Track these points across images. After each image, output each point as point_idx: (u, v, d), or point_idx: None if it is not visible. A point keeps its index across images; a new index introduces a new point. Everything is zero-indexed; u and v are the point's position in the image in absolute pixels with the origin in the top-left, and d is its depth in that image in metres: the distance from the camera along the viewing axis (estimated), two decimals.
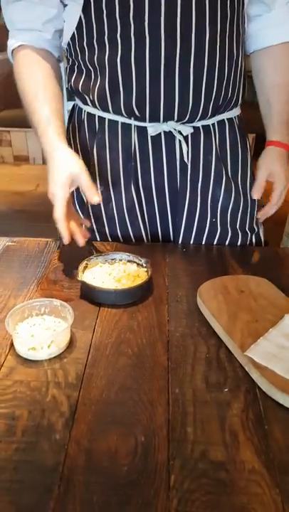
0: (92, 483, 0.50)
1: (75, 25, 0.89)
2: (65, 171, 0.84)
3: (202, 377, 0.65)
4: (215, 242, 1.06)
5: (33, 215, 3.24)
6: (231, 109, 0.99)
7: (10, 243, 1.01)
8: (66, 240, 0.84)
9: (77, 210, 1.03)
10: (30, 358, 0.68)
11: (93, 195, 0.84)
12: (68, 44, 0.95)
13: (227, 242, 1.07)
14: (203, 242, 1.06)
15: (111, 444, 0.55)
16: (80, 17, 0.87)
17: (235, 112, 1.02)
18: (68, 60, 0.99)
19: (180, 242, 1.06)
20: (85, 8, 0.85)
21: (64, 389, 0.63)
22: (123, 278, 0.86)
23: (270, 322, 0.73)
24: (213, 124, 0.98)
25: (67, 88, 1.03)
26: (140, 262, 0.90)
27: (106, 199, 1.01)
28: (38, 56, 0.94)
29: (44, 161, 0.87)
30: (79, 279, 0.83)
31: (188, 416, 0.59)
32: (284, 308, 0.76)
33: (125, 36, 0.84)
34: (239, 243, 1.07)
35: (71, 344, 0.71)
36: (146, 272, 0.87)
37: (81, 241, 0.89)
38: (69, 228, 0.85)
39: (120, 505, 0.48)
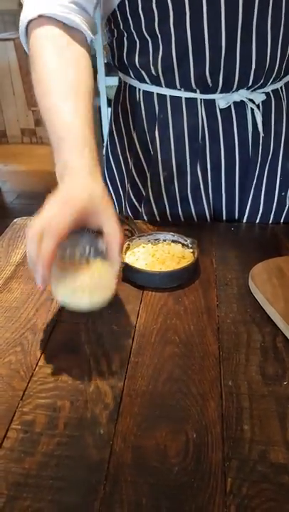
0: (141, 484, 0.46)
1: None
2: (88, 200, 0.58)
3: (258, 368, 0.59)
4: (282, 220, 0.99)
5: None
6: None
7: None
8: (43, 285, 0.56)
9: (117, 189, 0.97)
10: (71, 306, 0.59)
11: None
12: (113, 13, 0.83)
13: None
14: (271, 220, 0.99)
15: (160, 440, 0.50)
16: None
17: None
18: (113, 32, 0.88)
19: (245, 220, 0.98)
20: None
21: (108, 378, 0.59)
22: (167, 259, 0.80)
23: None
24: (281, 88, 0.90)
25: (105, 63, 0.95)
26: (185, 243, 0.84)
27: (168, 182, 0.94)
28: (65, 39, 0.71)
29: None
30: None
31: (244, 411, 0.53)
32: None
33: None
34: None
35: (113, 330, 0.67)
36: (193, 252, 0.81)
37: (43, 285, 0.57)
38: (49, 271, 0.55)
39: (172, 511, 0.44)
